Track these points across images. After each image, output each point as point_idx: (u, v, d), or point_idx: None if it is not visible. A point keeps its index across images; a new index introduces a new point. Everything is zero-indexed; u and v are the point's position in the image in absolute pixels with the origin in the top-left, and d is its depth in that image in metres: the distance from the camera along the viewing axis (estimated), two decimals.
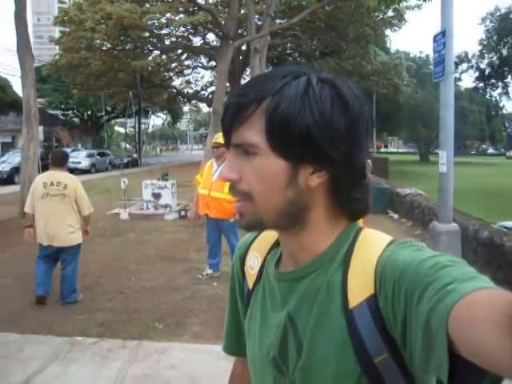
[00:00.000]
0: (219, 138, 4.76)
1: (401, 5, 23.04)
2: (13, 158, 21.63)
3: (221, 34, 11.83)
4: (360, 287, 0.67)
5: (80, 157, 28.72)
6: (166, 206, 10.06)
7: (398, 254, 0.65)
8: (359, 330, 0.66)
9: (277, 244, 0.84)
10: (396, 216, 10.99)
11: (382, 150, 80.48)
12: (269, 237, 0.87)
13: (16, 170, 18.97)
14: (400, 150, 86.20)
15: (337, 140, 0.66)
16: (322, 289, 0.71)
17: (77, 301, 4.94)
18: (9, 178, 20.55)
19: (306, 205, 0.70)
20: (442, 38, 6.19)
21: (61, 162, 4.89)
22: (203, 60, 32.39)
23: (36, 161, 9.65)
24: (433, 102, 35.99)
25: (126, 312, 4.59)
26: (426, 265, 0.58)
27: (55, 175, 4.73)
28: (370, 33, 26.52)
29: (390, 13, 26.22)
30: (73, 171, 26.10)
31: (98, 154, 30.67)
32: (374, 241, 0.72)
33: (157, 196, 10.15)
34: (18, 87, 40.87)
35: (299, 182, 0.68)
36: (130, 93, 15.19)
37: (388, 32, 29.67)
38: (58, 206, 4.62)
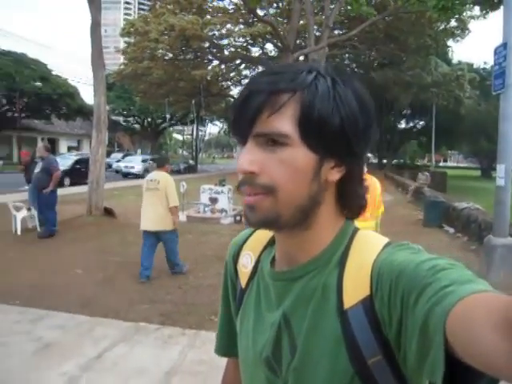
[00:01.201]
0: None
1: (464, 14, 22.44)
2: (64, 161, 21.38)
3: (280, 45, 12.14)
4: (355, 288, 0.67)
5: (134, 162, 29.43)
6: (222, 211, 10.43)
7: (396, 255, 0.65)
8: (353, 331, 0.65)
9: (271, 243, 0.84)
10: (451, 230, 10.75)
11: (441, 164, 77.93)
12: (262, 236, 0.87)
13: (66, 173, 19.32)
14: (460, 165, 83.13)
15: (359, 136, 0.68)
16: (318, 290, 0.71)
17: (182, 272, 6.05)
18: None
19: (320, 201, 0.70)
20: (503, 51, 6.16)
21: (161, 163, 6.08)
22: (261, 70, 32.92)
23: (103, 163, 10.32)
24: (497, 115, 34.55)
25: (184, 305, 4.91)
26: (423, 267, 0.58)
27: (155, 174, 5.87)
28: (431, 43, 25.95)
29: (453, 23, 25.57)
30: (126, 175, 27.31)
31: (152, 160, 31.47)
32: (370, 242, 0.72)
33: (214, 200, 10.54)
34: (84, 94, 43.26)
35: (321, 176, 0.68)
36: (193, 101, 15.79)
37: (450, 42, 28.96)
38: (153, 198, 5.71)
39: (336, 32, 24.08)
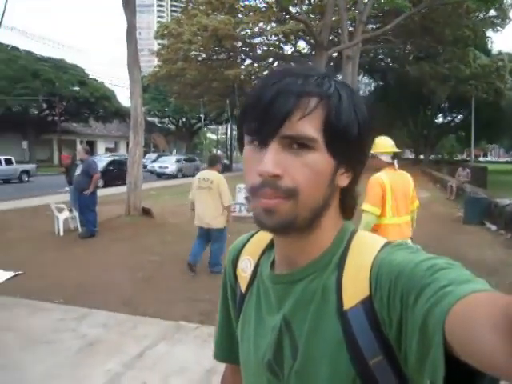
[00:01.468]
0: (377, 146, 4.00)
1: (505, 1, 21.62)
2: (98, 163, 21.36)
3: (313, 42, 12.03)
4: (355, 289, 0.67)
5: (168, 162, 29.50)
6: None
7: (394, 255, 0.65)
8: (354, 332, 0.65)
9: (269, 247, 0.85)
10: (494, 227, 10.41)
11: (481, 158, 75.63)
12: (261, 240, 0.87)
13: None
14: (501, 160, 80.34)
15: (370, 145, 0.74)
16: (318, 292, 0.71)
17: (220, 272, 5.77)
18: None
19: (329, 204, 0.72)
20: None
21: (212, 163, 6.16)
22: None
23: (141, 164, 10.52)
24: None
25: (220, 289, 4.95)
26: (422, 266, 0.59)
27: (207, 173, 6.01)
28: (468, 34, 25.16)
29: (493, 12, 24.70)
30: (160, 176, 27.68)
31: (185, 160, 31.39)
32: (368, 243, 0.72)
33: (249, 200, 10.55)
34: (120, 97, 44.27)
35: (334, 181, 0.70)
36: (227, 101, 15.90)
37: (489, 33, 28.01)
38: (206, 196, 5.83)
39: (369, 27, 23.67)
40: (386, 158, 3.99)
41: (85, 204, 8.65)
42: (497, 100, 31.62)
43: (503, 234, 9.65)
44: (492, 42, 37.36)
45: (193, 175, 30.08)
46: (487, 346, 0.44)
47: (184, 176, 28.90)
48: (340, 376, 0.66)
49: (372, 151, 3.99)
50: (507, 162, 67.47)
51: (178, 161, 30.16)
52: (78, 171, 8.69)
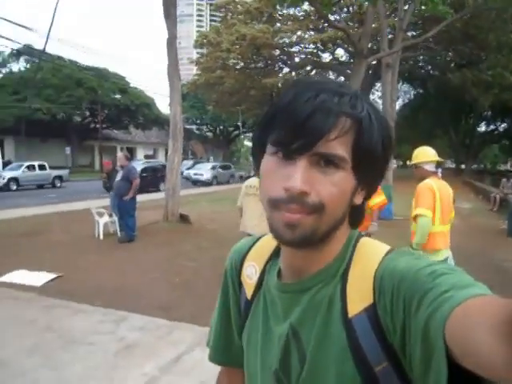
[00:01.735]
0: (413, 157, 4.17)
1: None
2: None
3: (352, 50, 11.94)
4: (359, 297, 0.68)
5: (203, 169, 29.57)
6: None
7: (397, 262, 0.66)
8: (359, 340, 0.66)
9: (275, 254, 0.84)
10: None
11: None
12: (266, 246, 0.87)
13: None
14: None
15: (388, 163, 0.74)
16: (324, 301, 0.71)
17: None
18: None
19: (344, 219, 0.73)
20: None
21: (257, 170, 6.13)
22: (332, 76, 32.71)
23: (179, 170, 10.69)
24: None
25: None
26: (423, 272, 0.59)
27: (253, 180, 5.83)
28: None
29: None
30: (195, 183, 27.88)
31: (220, 167, 31.60)
32: (372, 250, 0.73)
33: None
34: (159, 104, 45.25)
35: (353, 199, 0.71)
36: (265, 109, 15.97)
37: None
38: (251, 203, 5.87)
39: (409, 34, 23.31)
40: (430, 168, 4.00)
41: (124, 209, 8.85)
42: None
43: None
44: None
45: (228, 182, 30.09)
46: (485, 350, 0.44)
47: (219, 183, 29.21)
48: (346, 382, 0.66)
49: (415, 161, 4.03)
50: None
51: (213, 168, 30.33)
52: (118, 177, 8.91)
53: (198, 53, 33.93)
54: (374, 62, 19.32)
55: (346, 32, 11.90)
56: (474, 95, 28.20)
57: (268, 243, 0.86)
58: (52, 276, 6.25)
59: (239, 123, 39.74)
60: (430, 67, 32.55)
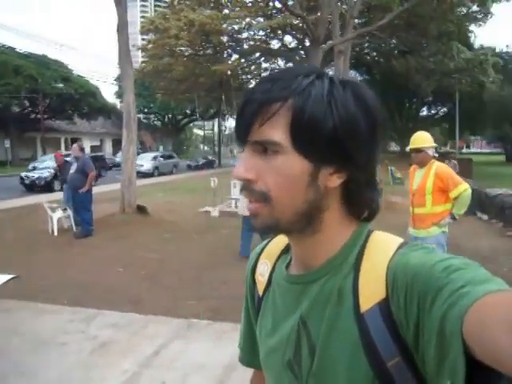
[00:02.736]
0: (416, 141, 4.37)
1: None
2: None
3: (300, 36, 11.93)
4: (371, 291, 0.67)
5: (144, 160, 27.42)
6: None
7: (410, 256, 0.64)
8: (371, 334, 0.65)
9: (286, 250, 0.85)
10: (485, 217, 10.62)
11: (464, 150, 76.58)
12: (278, 243, 0.88)
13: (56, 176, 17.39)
14: (484, 150, 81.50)
15: (360, 141, 0.67)
16: (334, 293, 0.71)
17: None
18: (47, 186, 18.55)
19: (322, 206, 0.70)
20: None
21: None
22: (280, 62, 32.84)
23: (135, 161, 10.44)
24: None
25: (231, 299, 4.93)
26: (438, 267, 0.58)
27: None
28: (452, 29, 25.46)
29: (475, 7, 25.05)
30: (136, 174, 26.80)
31: (162, 157, 30.13)
32: (384, 244, 0.71)
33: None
34: (104, 93, 43.77)
35: (319, 183, 0.68)
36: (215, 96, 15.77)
37: (472, 27, 28.35)
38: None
39: (356, 21, 23.73)
40: (432, 152, 4.27)
41: (80, 202, 8.55)
42: (480, 93, 32.09)
43: (494, 223, 9.86)
44: (475, 37, 37.87)
45: (171, 173, 28.97)
46: (505, 346, 0.44)
47: (161, 174, 27.33)
48: (359, 377, 0.66)
49: (419, 146, 4.25)
50: (490, 153, 68.50)
51: (154, 158, 28.69)
52: (72, 169, 8.59)
53: (143, 39, 32.99)
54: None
55: (304, 19, 11.95)
56: (417, 81, 29.28)
57: (281, 240, 0.87)
58: (8, 277, 5.93)
59: (187, 111, 39.02)
60: (375, 54, 33.39)
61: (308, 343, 0.72)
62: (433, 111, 46.12)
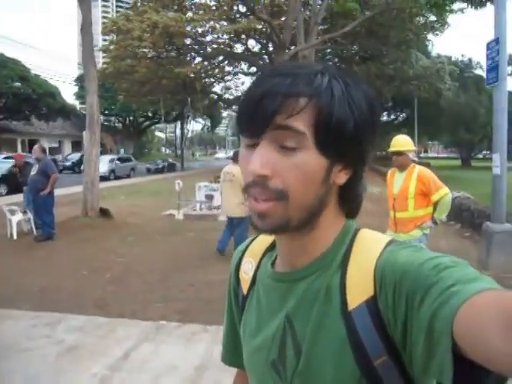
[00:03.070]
0: (396, 144, 4.31)
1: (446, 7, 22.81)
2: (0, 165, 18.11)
3: (264, 41, 11.96)
4: (359, 289, 0.66)
5: (101, 162, 26.61)
6: (218, 208, 10.46)
7: (398, 254, 0.64)
8: (358, 332, 0.65)
9: (271, 248, 0.85)
10: (444, 219, 11.02)
11: (422, 154, 78.94)
12: (263, 241, 0.87)
13: (1, 179, 17.10)
14: (440, 155, 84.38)
15: (369, 140, 0.69)
16: (321, 291, 0.70)
17: None
18: None
19: (326, 202, 0.70)
20: (495, 45, 6.38)
21: (235, 158, 6.61)
22: (244, 66, 32.97)
23: (98, 163, 10.24)
24: (476, 106, 35.23)
25: (199, 301, 4.95)
26: (427, 266, 0.58)
27: (229, 167, 6.72)
28: (411, 37, 26.27)
29: (433, 17, 25.95)
30: None
31: (119, 160, 29.00)
32: (372, 241, 0.71)
33: (209, 197, 10.57)
34: (64, 94, 42.54)
35: (330, 179, 0.68)
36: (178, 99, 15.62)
37: (430, 36, 29.32)
38: (228, 188, 6.59)
39: (319, 28, 24.14)
40: (412, 156, 4.31)
41: (42, 205, 8.30)
42: (437, 100, 33.25)
43: (453, 225, 10.26)
44: (433, 45, 39.20)
45: (128, 176, 28.09)
46: (498, 344, 0.44)
47: (117, 178, 26.34)
48: (345, 376, 0.65)
49: (402, 149, 4.27)
50: (446, 158, 70.93)
51: (110, 161, 27.30)
52: (33, 171, 8.34)
53: (105, 40, 32.37)
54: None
55: (270, 24, 12.08)
56: (377, 87, 30.00)
57: (266, 238, 0.86)
58: None
59: (149, 113, 38.40)
60: (337, 60, 33.95)
61: (293, 342, 0.71)
62: (392, 116, 47.42)
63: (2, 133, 35.81)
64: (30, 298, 5.17)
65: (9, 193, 16.60)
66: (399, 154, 4.27)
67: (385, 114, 45.86)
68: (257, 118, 0.64)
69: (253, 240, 0.91)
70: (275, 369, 0.74)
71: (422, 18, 25.91)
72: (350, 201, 0.74)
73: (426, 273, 0.57)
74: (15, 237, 8.49)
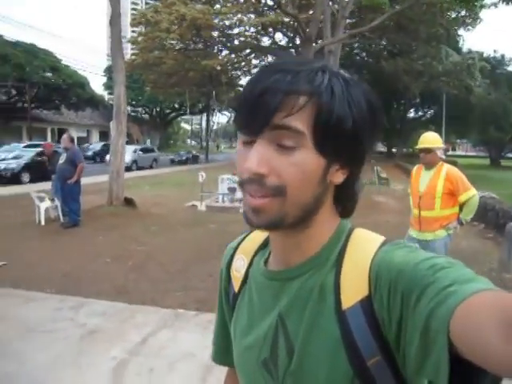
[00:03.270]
0: (425, 141, 4.23)
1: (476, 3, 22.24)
2: (24, 154, 18.06)
3: (291, 35, 11.92)
4: (353, 288, 0.66)
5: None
6: (240, 200, 10.56)
7: (393, 254, 0.64)
8: (352, 332, 0.64)
9: (264, 245, 0.84)
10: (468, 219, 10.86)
11: (450, 152, 77.50)
12: (255, 238, 0.86)
13: (25, 168, 17.09)
14: (469, 154, 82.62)
15: (367, 138, 0.68)
16: (315, 290, 0.69)
17: None
18: (14, 178, 16.87)
19: (322, 201, 0.70)
20: None
21: None
22: (270, 59, 32.88)
23: (124, 153, 10.44)
24: (507, 104, 34.36)
25: (217, 291, 5.03)
26: (423, 266, 0.58)
27: None
28: (442, 32, 25.70)
29: (464, 12, 25.34)
30: None
31: (142, 150, 28.57)
32: (366, 241, 0.71)
33: (232, 190, 10.66)
34: (93, 84, 43.27)
35: (327, 178, 0.68)
36: (204, 91, 15.74)
37: (461, 31, 28.69)
38: None
39: (347, 21, 23.90)
40: (441, 154, 4.21)
41: (68, 193, 8.54)
42: (467, 96, 32.55)
43: (476, 226, 10.08)
44: (464, 41, 38.31)
45: (150, 167, 28.32)
46: (496, 345, 0.44)
47: (139, 168, 26.04)
48: (338, 376, 0.65)
49: (431, 146, 4.16)
50: (475, 157, 69.43)
51: (134, 151, 26.72)
52: (61, 160, 8.58)
53: (133, 31, 32.77)
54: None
55: (296, 18, 12.02)
56: (405, 83, 29.58)
57: (258, 235, 0.85)
58: None
59: (176, 105, 38.81)
60: (364, 54, 33.61)
61: (286, 342, 0.71)
62: (420, 113, 46.65)
63: (33, 121, 36.67)
64: (54, 282, 5.35)
65: (32, 181, 16.64)
66: (427, 151, 4.17)
67: (412, 110, 45.22)
68: (256, 116, 0.63)
69: (245, 237, 0.89)
70: (266, 368, 0.74)
71: (453, 13, 25.33)
72: (346, 200, 0.75)
73: (422, 273, 0.57)
74: (43, 223, 8.76)
